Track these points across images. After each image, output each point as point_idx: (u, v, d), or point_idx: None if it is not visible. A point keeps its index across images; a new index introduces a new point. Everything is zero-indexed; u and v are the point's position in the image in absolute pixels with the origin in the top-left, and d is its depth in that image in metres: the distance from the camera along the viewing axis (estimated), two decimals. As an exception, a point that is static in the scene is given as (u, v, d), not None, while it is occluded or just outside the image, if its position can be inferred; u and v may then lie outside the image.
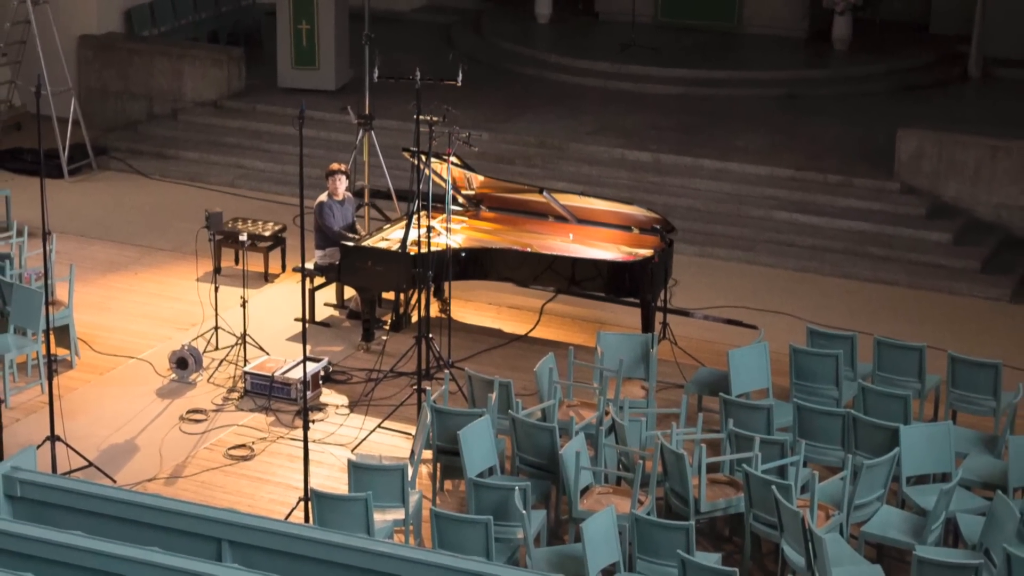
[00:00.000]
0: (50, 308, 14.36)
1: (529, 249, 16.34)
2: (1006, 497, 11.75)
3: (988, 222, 19.23)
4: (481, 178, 16.91)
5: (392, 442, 14.40)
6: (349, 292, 17.02)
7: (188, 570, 10.75)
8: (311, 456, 12.95)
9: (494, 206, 17.11)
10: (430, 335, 15.13)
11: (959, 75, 23.99)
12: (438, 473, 13.42)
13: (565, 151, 21.04)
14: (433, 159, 16.03)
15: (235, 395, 15.29)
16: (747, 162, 20.34)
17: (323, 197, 16.84)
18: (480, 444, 12.76)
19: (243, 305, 15.75)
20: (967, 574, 10.75)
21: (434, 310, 16.15)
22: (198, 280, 17.49)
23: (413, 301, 16.64)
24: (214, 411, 15.02)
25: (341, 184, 16.82)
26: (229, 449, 14.32)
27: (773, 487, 11.76)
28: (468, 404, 14.05)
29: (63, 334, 15.81)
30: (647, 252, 16.07)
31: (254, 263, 17.84)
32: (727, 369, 14.27)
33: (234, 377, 15.55)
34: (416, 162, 16.08)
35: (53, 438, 13.56)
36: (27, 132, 22.78)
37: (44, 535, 11.21)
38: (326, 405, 15.10)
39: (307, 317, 15.71)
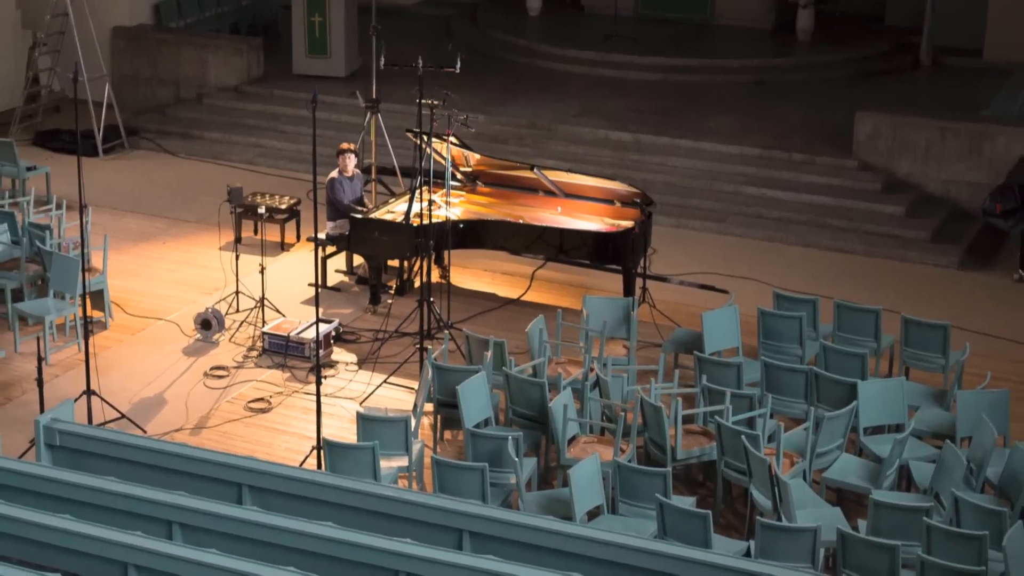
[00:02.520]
0: (86, 274, 14.36)
1: (521, 221, 16.30)
2: (954, 446, 11.75)
3: (938, 196, 19.19)
4: (477, 156, 16.86)
5: (397, 396, 14.36)
6: (358, 260, 16.98)
7: (212, 512, 10.75)
8: (323, 409, 12.94)
9: (489, 182, 17.06)
10: (431, 299, 15.09)
11: (911, 63, 23.94)
12: (438, 424, 13.40)
13: (554, 132, 20.98)
14: (434, 139, 16.01)
15: (254, 353, 15.25)
16: (719, 142, 20.29)
17: (334, 174, 16.80)
18: (477, 398, 12.74)
19: (261, 272, 15.71)
20: (918, 516, 10.74)
21: (435, 276, 16.13)
22: (220, 249, 17.42)
23: (416, 268, 16.59)
24: (235, 368, 14.99)
25: (350, 162, 16.79)
26: (249, 402, 14.28)
27: (743, 437, 11.74)
28: (466, 361, 14.02)
29: (98, 298, 15.77)
30: (628, 223, 16.03)
31: (271, 233, 17.84)
32: (701, 330, 14.25)
33: (253, 337, 15.51)
34: (419, 142, 16.01)
35: (89, 392, 13.55)
36: (65, 115, 22.74)
37: (81, 480, 11.22)
38: (337, 362, 15.05)
39: (320, 282, 15.66)
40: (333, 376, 14.75)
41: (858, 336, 14.24)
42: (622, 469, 11.54)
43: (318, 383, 12.81)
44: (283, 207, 17.90)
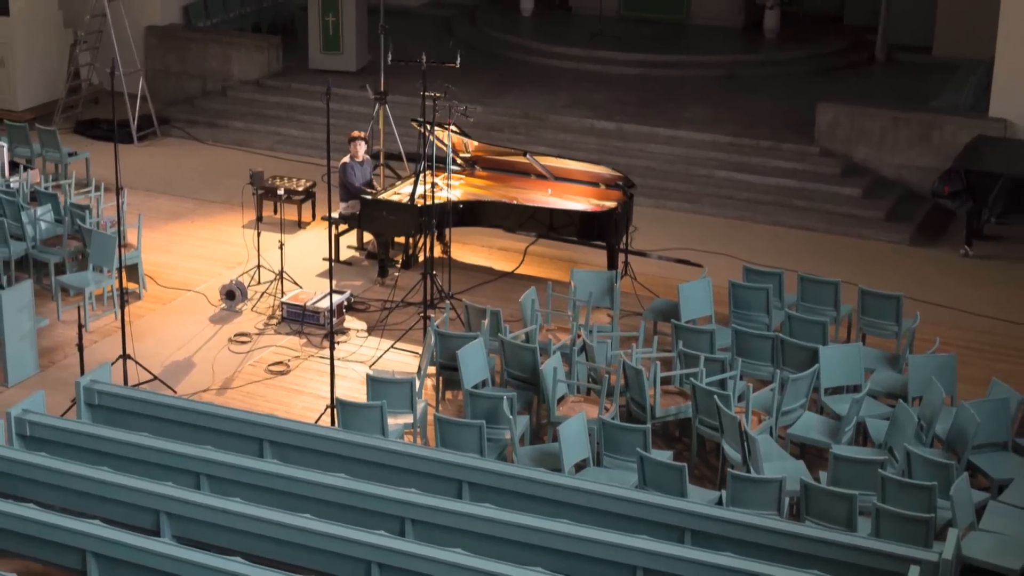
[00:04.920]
0: (122, 250, 14.33)
1: (515, 201, 16.24)
2: (906, 405, 11.73)
3: (891, 179, 19.13)
4: (476, 143, 16.80)
5: (403, 360, 14.32)
6: (368, 237, 16.92)
7: (236, 465, 10.76)
8: (336, 371, 12.90)
9: (486, 166, 17.00)
10: (434, 272, 15.04)
11: (868, 59, 23.84)
12: (440, 385, 13.36)
13: (544, 121, 20.89)
14: (436, 128, 15.93)
15: (274, 321, 15.20)
16: (694, 130, 20.20)
17: (346, 159, 16.77)
18: (475, 361, 12.70)
19: (280, 247, 15.65)
20: (874, 468, 10.73)
21: (437, 251, 16.07)
22: (243, 227, 17.38)
23: (420, 244, 16.53)
24: (257, 334, 14.94)
25: (361, 148, 16.77)
26: (269, 365, 14.24)
27: (715, 396, 11.72)
28: (465, 328, 13.97)
29: (133, 271, 15.73)
30: (612, 204, 15.98)
31: (289, 213, 17.77)
32: (677, 300, 14.20)
33: (273, 306, 15.45)
34: (422, 130, 15.94)
35: (125, 356, 13.52)
36: (103, 106, 22.60)
37: (117, 436, 11.23)
38: (349, 329, 15.01)
39: (333, 257, 15.59)
40: (345, 342, 14.70)
41: (819, 306, 14.20)
42: (606, 426, 11.51)
43: (332, 348, 12.78)
44: (300, 189, 17.82)
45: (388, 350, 14.52)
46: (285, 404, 13.43)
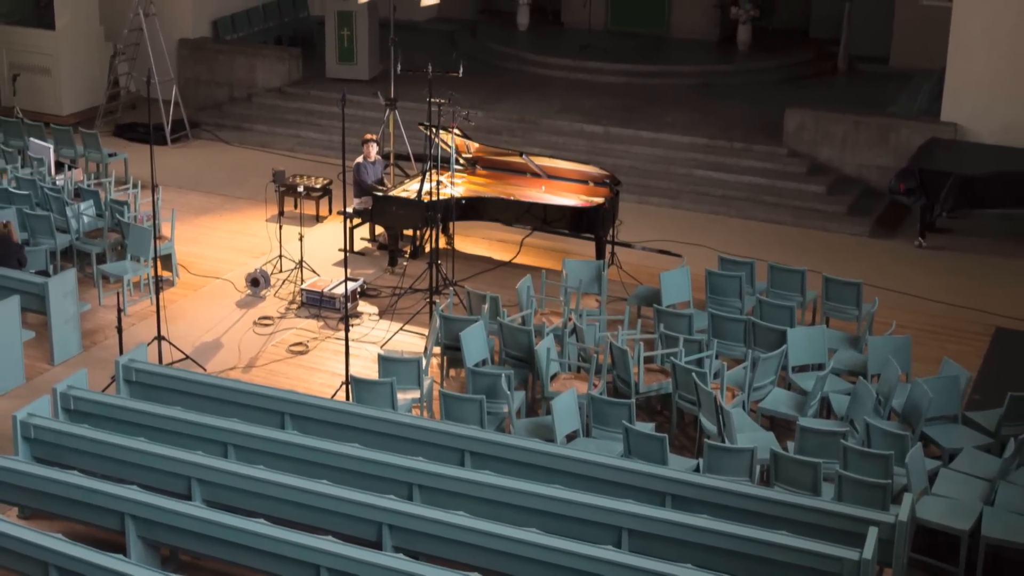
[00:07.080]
0: (157, 241, 14.30)
1: (512, 198, 16.21)
2: (866, 382, 11.74)
3: (852, 177, 19.08)
4: (476, 145, 16.77)
5: (411, 341, 14.29)
6: (379, 229, 16.87)
7: (260, 436, 10.76)
8: (351, 351, 12.87)
9: (486, 166, 16.96)
10: (439, 261, 15.01)
11: (831, 68, 23.75)
12: (445, 364, 13.33)
13: (539, 125, 20.84)
14: (441, 131, 15.91)
15: (294, 306, 15.16)
16: (674, 133, 20.14)
17: (359, 159, 16.74)
18: (476, 342, 12.68)
19: (300, 239, 15.63)
20: (836, 439, 10.73)
21: (442, 243, 16.05)
22: (267, 220, 17.34)
23: (426, 236, 16.50)
24: (279, 318, 14.91)
25: (373, 149, 16.74)
26: (290, 346, 14.21)
27: (693, 374, 11.70)
28: (467, 312, 13.95)
29: (167, 260, 15.70)
30: (600, 200, 15.95)
31: (308, 208, 17.75)
32: (659, 286, 14.18)
33: (294, 292, 15.42)
34: (428, 133, 15.92)
35: (159, 338, 13.48)
36: (140, 111, 22.56)
37: (152, 410, 11.23)
38: (362, 313, 14.97)
39: (348, 248, 15.56)
40: (359, 325, 14.67)
41: (787, 292, 14.18)
42: (595, 400, 11.49)
43: (346, 330, 12.76)
44: (318, 186, 17.78)
45: (397, 332, 14.50)
46: (304, 381, 13.40)
